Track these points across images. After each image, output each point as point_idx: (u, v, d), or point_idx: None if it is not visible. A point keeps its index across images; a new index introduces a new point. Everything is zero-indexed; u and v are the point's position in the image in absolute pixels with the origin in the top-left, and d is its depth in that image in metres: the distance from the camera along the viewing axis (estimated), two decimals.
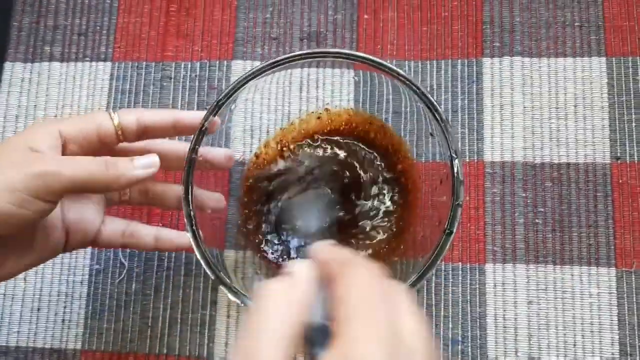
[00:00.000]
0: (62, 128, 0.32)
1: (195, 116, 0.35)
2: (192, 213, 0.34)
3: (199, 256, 0.34)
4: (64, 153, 0.32)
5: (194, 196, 0.35)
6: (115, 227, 0.36)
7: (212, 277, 0.34)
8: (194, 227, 0.34)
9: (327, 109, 0.42)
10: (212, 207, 0.38)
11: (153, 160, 0.33)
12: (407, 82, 0.35)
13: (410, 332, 0.22)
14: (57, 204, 0.31)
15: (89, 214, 0.35)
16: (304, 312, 0.23)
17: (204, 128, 0.35)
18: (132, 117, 0.34)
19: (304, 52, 0.35)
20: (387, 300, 0.23)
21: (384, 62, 0.35)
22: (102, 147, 0.35)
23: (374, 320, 0.22)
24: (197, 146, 0.35)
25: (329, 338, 0.22)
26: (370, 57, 0.35)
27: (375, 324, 0.22)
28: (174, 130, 0.35)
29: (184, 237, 0.37)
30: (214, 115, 0.35)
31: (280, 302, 0.23)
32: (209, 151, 0.37)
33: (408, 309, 0.23)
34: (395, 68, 0.35)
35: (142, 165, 0.32)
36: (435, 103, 0.34)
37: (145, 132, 0.35)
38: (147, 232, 0.37)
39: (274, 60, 0.35)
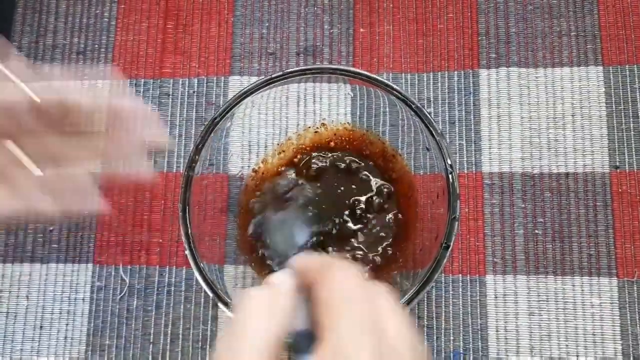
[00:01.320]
0: None
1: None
2: (190, 231, 0.34)
3: (197, 275, 0.34)
4: None
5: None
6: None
7: (211, 295, 0.34)
8: (192, 246, 0.34)
9: (323, 124, 0.42)
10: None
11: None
12: (401, 97, 0.35)
13: (394, 332, 0.23)
14: None
15: None
16: (285, 320, 0.23)
17: (200, 145, 0.35)
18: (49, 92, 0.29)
19: (299, 69, 0.36)
20: (370, 300, 0.23)
21: (378, 78, 0.35)
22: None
23: (358, 320, 0.22)
24: (194, 163, 0.35)
25: (313, 343, 0.22)
26: (365, 72, 0.35)
27: (360, 323, 0.22)
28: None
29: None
30: (211, 133, 0.36)
31: (261, 310, 0.23)
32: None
33: (391, 309, 0.23)
34: (389, 83, 0.35)
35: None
36: (429, 117, 0.34)
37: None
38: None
39: (269, 77, 0.36)
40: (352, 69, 0.35)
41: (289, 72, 0.36)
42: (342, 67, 0.36)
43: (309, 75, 0.36)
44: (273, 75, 0.35)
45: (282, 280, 0.25)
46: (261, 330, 0.22)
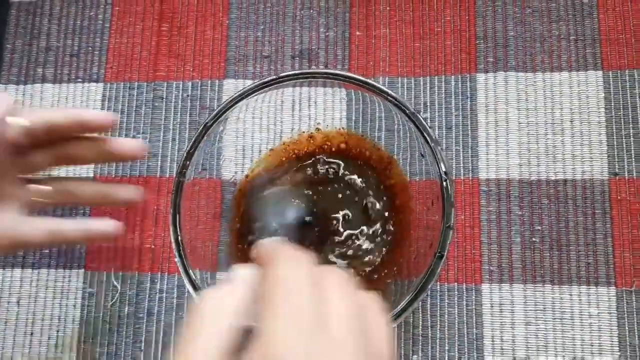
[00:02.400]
0: None
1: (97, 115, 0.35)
2: (180, 238, 0.34)
3: (186, 282, 0.33)
4: None
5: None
6: (36, 225, 0.35)
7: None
8: (181, 253, 0.34)
9: (318, 129, 0.42)
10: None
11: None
12: (396, 102, 0.34)
13: (339, 318, 0.21)
14: None
15: (4, 221, 0.34)
16: (239, 319, 0.22)
17: (191, 150, 0.35)
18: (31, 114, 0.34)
19: (293, 72, 0.35)
20: (314, 286, 0.22)
21: (372, 82, 0.34)
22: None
23: (293, 312, 0.21)
24: (184, 169, 0.35)
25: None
26: (358, 77, 0.34)
27: (295, 316, 0.21)
28: (78, 126, 0.35)
29: (110, 224, 0.36)
30: (203, 137, 0.35)
31: (214, 311, 0.22)
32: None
33: (340, 293, 0.22)
34: (383, 88, 0.34)
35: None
36: (424, 123, 0.34)
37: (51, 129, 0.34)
38: (72, 226, 0.36)
39: (262, 81, 0.35)
40: (346, 73, 0.35)
41: (282, 76, 0.35)
42: (336, 71, 0.35)
43: (302, 80, 0.35)
44: (266, 79, 0.35)
45: (241, 276, 0.24)
46: (213, 332, 0.21)
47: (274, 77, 0.35)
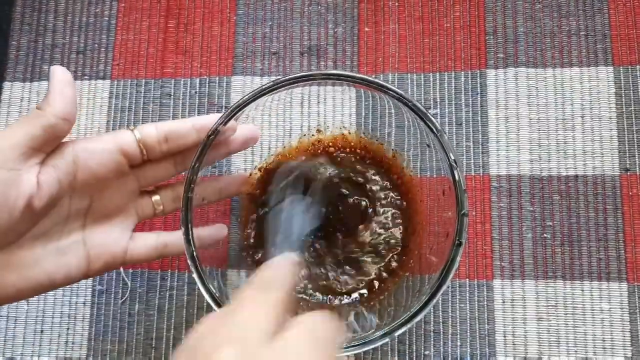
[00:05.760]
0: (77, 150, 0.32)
1: (211, 119, 0.35)
2: (195, 254, 0.33)
3: (206, 296, 0.32)
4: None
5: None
6: (145, 242, 0.35)
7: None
8: (198, 268, 0.33)
9: (319, 130, 0.42)
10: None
11: None
12: (397, 96, 0.33)
13: None
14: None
15: (114, 236, 0.34)
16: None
17: (196, 165, 0.34)
18: (150, 127, 0.34)
19: (294, 76, 0.34)
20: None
21: (371, 78, 0.33)
22: (127, 165, 0.34)
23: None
24: (192, 185, 0.33)
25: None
26: (354, 74, 0.34)
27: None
28: (196, 133, 0.34)
29: (219, 230, 0.38)
30: (207, 150, 0.34)
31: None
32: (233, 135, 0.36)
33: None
34: (383, 83, 0.33)
35: None
36: (427, 113, 0.33)
37: (168, 141, 0.34)
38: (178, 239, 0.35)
39: (267, 85, 0.34)
40: (343, 72, 0.34)
41: (282, 80, 0.34)
42: (333, 71, 0.34)
43: (305, 82, 0.34)
44: (264, 86, 0.34)
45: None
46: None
47: (271, 84, 0.34)
